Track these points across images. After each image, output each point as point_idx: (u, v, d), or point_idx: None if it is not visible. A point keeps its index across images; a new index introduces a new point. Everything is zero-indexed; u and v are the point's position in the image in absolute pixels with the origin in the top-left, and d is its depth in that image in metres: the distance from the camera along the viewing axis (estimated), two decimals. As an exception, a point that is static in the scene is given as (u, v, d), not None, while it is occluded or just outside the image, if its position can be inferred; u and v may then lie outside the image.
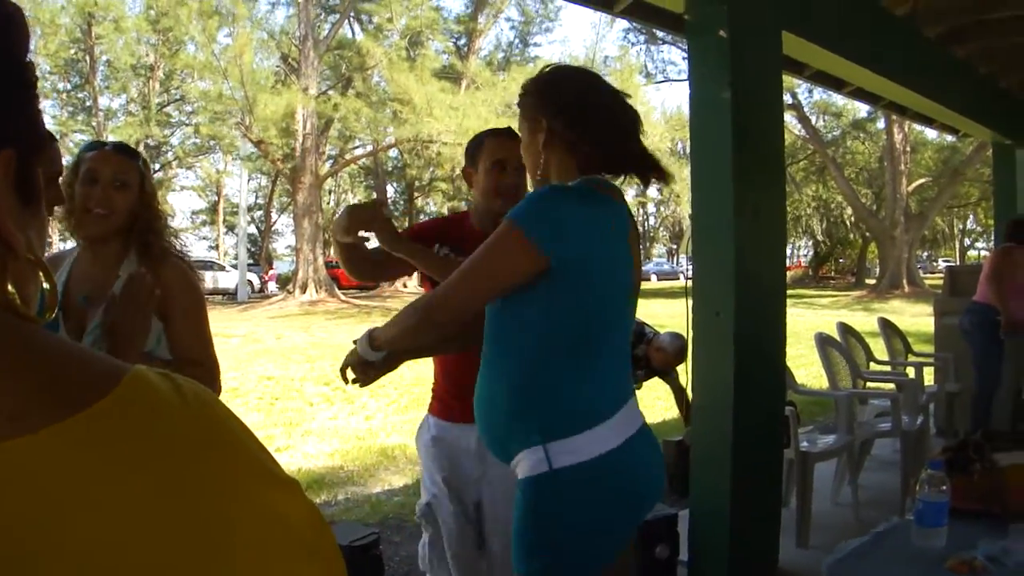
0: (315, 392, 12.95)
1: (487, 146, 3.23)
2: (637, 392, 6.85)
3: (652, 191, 44.13)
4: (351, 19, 40.84)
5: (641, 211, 69.59)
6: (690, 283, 4.77)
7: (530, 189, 2.93)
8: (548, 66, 2.75)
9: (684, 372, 4.81)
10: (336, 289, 35.58)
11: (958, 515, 2.58)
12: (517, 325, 2.42)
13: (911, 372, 8.33)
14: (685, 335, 4.75)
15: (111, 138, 35.64)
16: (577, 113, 2.51)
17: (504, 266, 2.35)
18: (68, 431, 0.63)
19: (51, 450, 0.62)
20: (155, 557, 0.61)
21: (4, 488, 0.60)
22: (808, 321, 17.52)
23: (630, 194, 58.51)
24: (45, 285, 0.81)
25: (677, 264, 61.11)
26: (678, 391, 7.41)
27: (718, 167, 4.57)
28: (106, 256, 2.94)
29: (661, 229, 73.12)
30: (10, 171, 0.73)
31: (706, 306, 4.64)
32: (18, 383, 0.66)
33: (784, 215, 5.17)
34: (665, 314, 17.73)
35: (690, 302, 4.73)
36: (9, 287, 0.75)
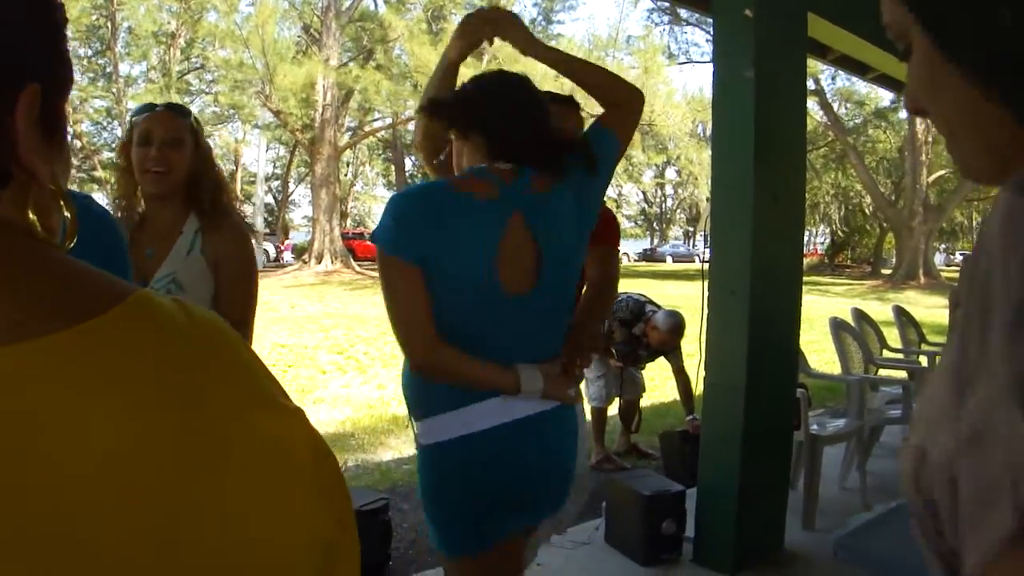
0: (328, 360, 13.02)
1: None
2: (641, 372, 6.77)
3: (671, 173, 44.03)
4: (374, -9, 40.75)
5: (659, 192, 69.48)
6: (706, 265, 4.78)
7: None
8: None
9: (699, 352, 4.80)
10: (352, 260, 35.62)
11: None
12: None
13: (924, 361, 8.33)
14: (699, 317, 4.75)
15: (131, 105, 35.78)
16: (470, 105, 2.56)
17: (403, 289, 2.41)
18: (58, 343, 0.64)
19: (37, 360, 0.64)
20: (138, 471, 0.63)
21: None
22: (822, 308, 17.45)
23: (647, 176, 58.50)
24: (67, 214, 0.83)
25: (693, 247, 60.96)
26: (678, 372, 7.41)
27: (739, 148, 4.57)
28: (169, 213, 3.05)
29: (678, 211, 72.93)
30: (35, 105, 0.74)
31: (721, 287, 4.66)
32: (20, 295, 0.68)
33: (803, 200, 5.17)
34: (680, 295, 17.70)
35: (706, 283, 4.74)
36: (31, 215, 0.77)
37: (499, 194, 2.44)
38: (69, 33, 0.78)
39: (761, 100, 4.52)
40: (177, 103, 3.32)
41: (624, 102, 2.77)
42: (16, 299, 0.67)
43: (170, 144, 2.98)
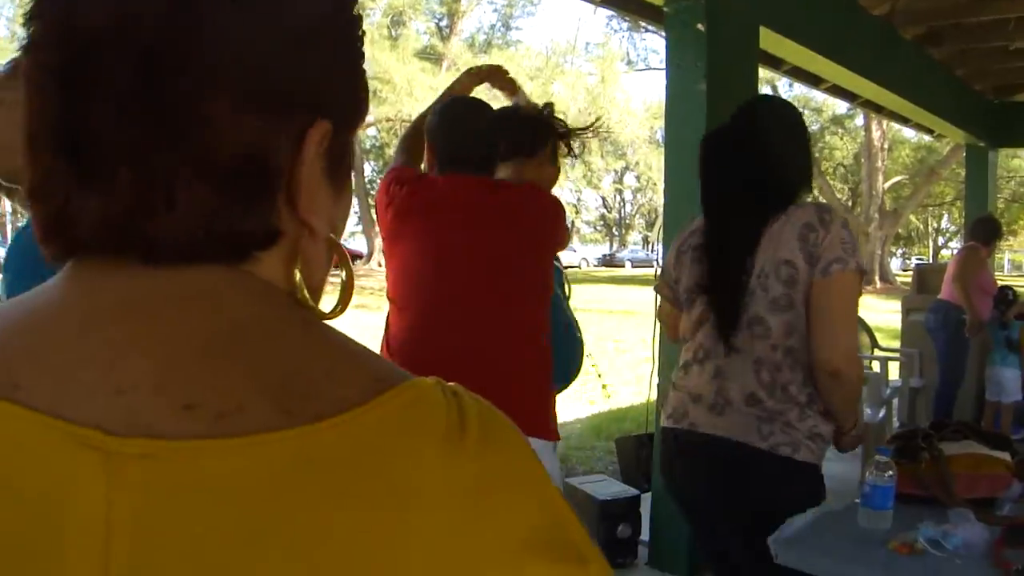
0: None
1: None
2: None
3: (630, 179, 44.22)
4: (334, -4, 40.67)
5: (618, 198, 69.65)
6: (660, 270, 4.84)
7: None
8: None
9: (652, 358, 4.86)
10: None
11: (904, 500, 2.69)
12: None
13: (876, 366, 8.46)
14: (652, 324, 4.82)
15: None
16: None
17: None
18: (271, 442, 0.56)
19: (247, 461, 0.56)
20: None
21: (190, 492, 0.55)
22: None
23: (606, 182, 58.63)
24: (342, 274, 0.73)
25: (652, 252, 61.16)
26: None
27: (691, 158, 4.63)
28: None
29: (637, 217, 73.15)
30: (323, 145, 0.66)
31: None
32: (247, 378, 0.59)
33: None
34: (639, 300, 17.80)
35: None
36: (297, 274, 0.70)
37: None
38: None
39: (713, 111, 4.60)
40: None
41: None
42: (240, 382, 0.59)
43: None
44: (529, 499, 0.62)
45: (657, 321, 3.82)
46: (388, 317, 2.82)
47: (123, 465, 0.54)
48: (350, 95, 0.71)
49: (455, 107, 2.99)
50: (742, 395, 2.62)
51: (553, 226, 2.87)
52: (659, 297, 3.26)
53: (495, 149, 2.90)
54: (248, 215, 0.63)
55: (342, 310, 0.72)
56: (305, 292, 0.70)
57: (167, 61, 0.59)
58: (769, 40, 5.46)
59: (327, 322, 0.67)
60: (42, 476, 0.54)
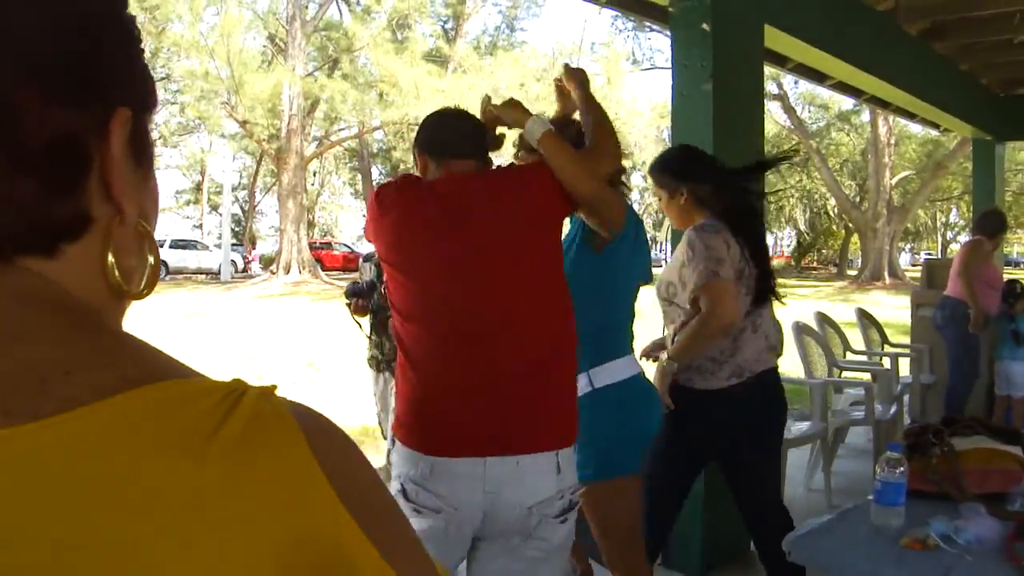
0: (298, 371, 13.03)
1: None
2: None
3: (637, 179, 44.15)
4: (338, 1, 40.73)
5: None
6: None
7: None
8: None
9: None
10: (319, 271, 35.59)
11: (916, 496, 2.70)
12: None
13: (887, 362, 8.45)
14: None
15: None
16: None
17: None
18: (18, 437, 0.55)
19: None
20: None
21: None
22: (790, 311, 17.58)
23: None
24: (150, 259, 0.74)
25: (659, 251, 61.09)
26: None
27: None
28: None
29: (644, 216, 73.01)
30: (126, 131, 0.69)
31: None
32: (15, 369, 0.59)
33: (763, 205, 5.27)
34: (646, 300, 17.78)
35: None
36: (110, 258, 0.70)
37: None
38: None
39: (719, 110, 4.62)
40: None
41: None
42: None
43: None
44: (287, 511, 0.58)
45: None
46: (397, 332, 2.65)
47: None
48: (142, 82, 0.74)
49: (439, 113, 2.92)
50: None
51: (544, 197, 2.64)
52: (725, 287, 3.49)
53: (485, 139, 2.84)
54: (63, 203, 0.66)
55: (148, 292, 0.74)
56: (116, 276, 0.70)
57: None
58: (774, 38, 5.47)
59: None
60: None
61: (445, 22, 44.44)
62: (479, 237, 2.52)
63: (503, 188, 2.64)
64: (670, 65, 4.96)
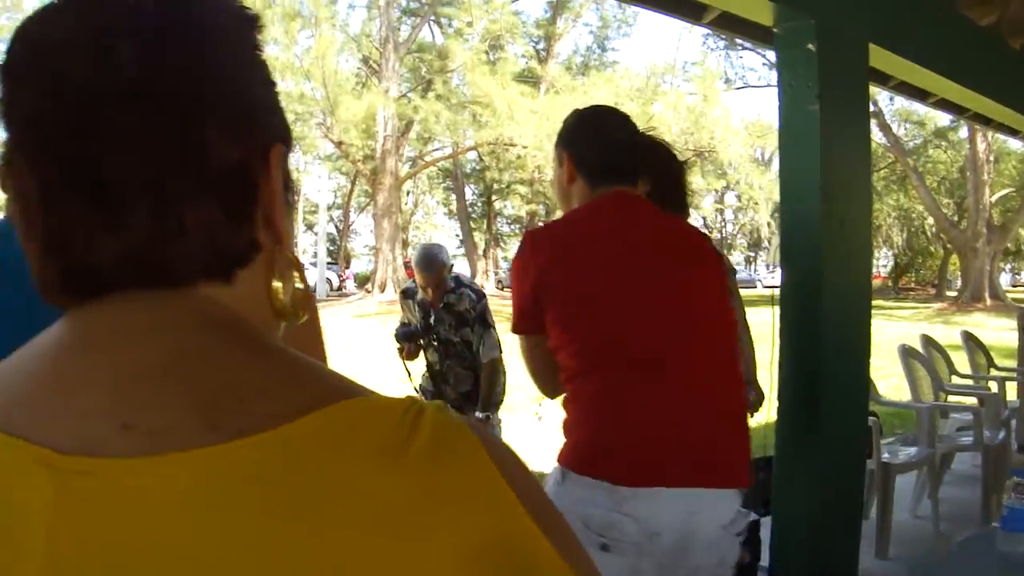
0: (399, 390, 13.09)
1: None
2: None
3: (731, 198, 43.80)
4: (431, 22, 41.09)
5: (719, 218, 69.04)
6: (770, 290, 4.81)
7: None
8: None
9: (769, 379, 4.81)
10: (414, 289, 35.80)
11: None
12: None
13: (993, 386, 8.26)
14: (769, 344, 4.79)
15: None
16: None
17: None
18: (203, 459, 0.59)
19: (171, 476, 0.59)
20: None
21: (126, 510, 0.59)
22: (888, 333, 17.29)
23: (707, 201, 58.22)
24: (299, 284, 0.80)
25: (754, 272, 60.57)
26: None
27: (805, 178, 4.61)
28: None
29: (739, 236, 72.43)
30: (283, 164, 0.76)
31: (792, 315, 4.68)
32: (181, 399, 0.63)
33: (870, 226, 5.19)
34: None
35: (774, 310, 4.77)
36: (274, 282, 0.76)
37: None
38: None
39: (826, 131, 4.56)
40: None
41: None
42: (173, 402, 0.63)
43: None
44: (480, 517, 0.62)
45: (775, 341, 3.79)
46: (572, 367, 2.55)
47: (67, 480, 0.59)
48: (285, 118, 0.81)
49: (596, 113, 2.85)
50: None
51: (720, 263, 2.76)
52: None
53: (638, 160, 2.76)
54: (240, 230, 0.72)
55: (304, 315, 0.79)
56: (281, 300, 0.76)
57: (172, 99, 0.68)
58: (877, 57, 5.39)
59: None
60: (4, 488, 0.61)
61: (537, 42, 44.60)
62: (654, 268, 2.53)
63: (675, 229, 2.70)
64: (768, 79, 4.93)
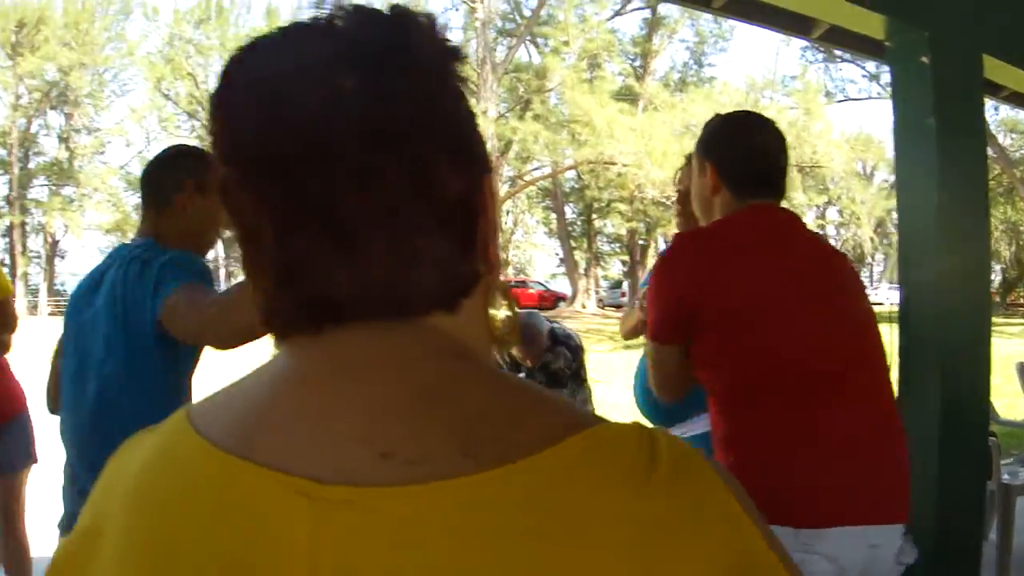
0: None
1: None
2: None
3: (832, 214, 43.16)
4: (527, 42, 41.30)
5: (821, 233, 67.85)
6: (894, 309, 4.73)
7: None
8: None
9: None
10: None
11: None
12: None
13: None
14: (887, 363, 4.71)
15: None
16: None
17: None
18: (463, 488, 0.60)
19: (432, 505, 0.60)
20: None
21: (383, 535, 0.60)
22: (999, 349, 16.93)
23: (809, 217, 57.53)
24: (507, 312, 0.82)
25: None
26: None
27: (923, 193, 4.54)
28: None
29: (844, 248, 71.25)
30: (494, 195, 0.78)
31: (912, 333, 4.60)
32: (438, 429, 0.64)
33: (988, 241, 5.08)
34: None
35: (893, 328, 4.68)
36: (492, 310, 0.79)
37: None
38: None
39: (943, 145, 4.49)
40: None
41: None
42: (431, 432, 0.64)
43: None
44: (724, 536, 0.64)
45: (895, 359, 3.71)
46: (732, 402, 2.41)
47: (327, 509, 0.61)
48: (486, 151, 0.81)
49: (743, 118, 2.71)
50: None
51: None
52: None
53: (787, 171, 2.59)
54: (467, 260, 0.74)
55: (517, 341, 0.78)
56: (499, 327, 0.79)
57: (402, 131, 0.70)
58: (991, 67, 5.29)
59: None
60: (264, 518, 0.62)
61: (633, 60, 44.55)
62: (823, 291, 2.42)
63: (831, 250, 2.64)
64: (890, 98, 4.84)
